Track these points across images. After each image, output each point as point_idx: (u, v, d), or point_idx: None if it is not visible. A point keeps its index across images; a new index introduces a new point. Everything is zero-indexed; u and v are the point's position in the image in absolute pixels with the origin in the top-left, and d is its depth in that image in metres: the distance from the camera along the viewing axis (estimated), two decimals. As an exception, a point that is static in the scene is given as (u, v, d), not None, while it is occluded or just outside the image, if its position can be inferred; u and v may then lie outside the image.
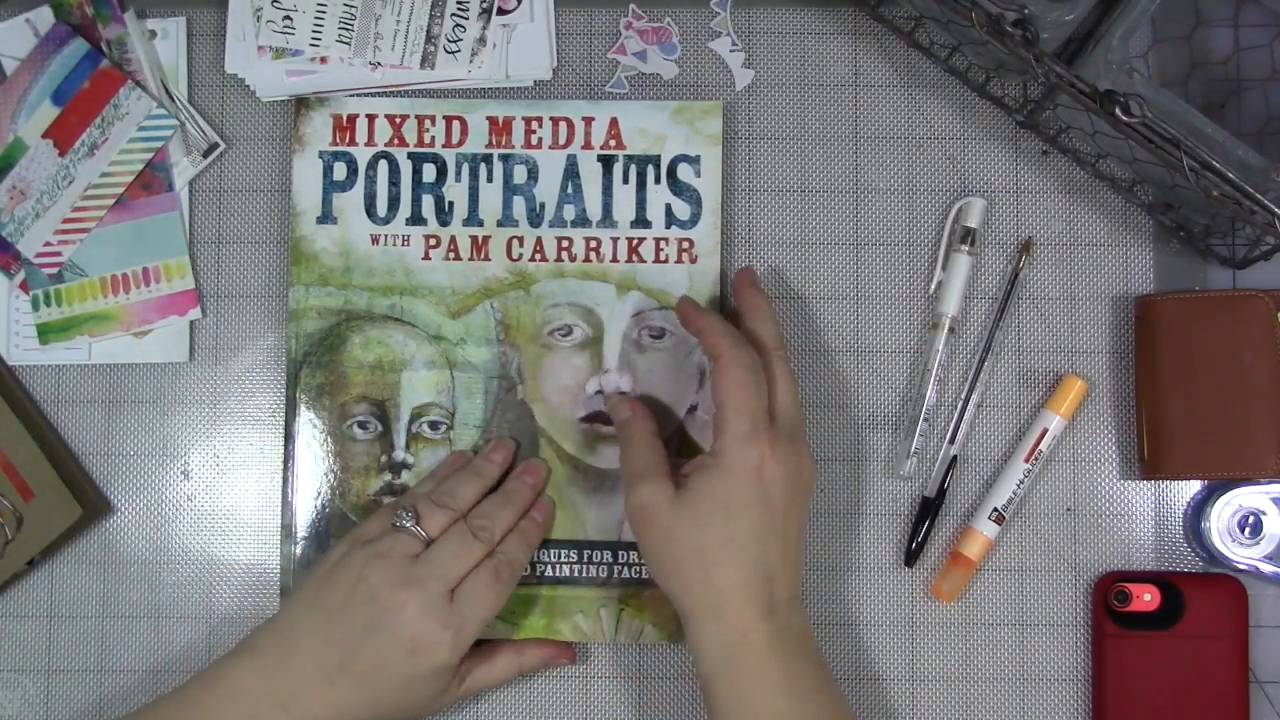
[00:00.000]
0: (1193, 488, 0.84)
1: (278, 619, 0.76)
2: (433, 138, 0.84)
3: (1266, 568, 0.82)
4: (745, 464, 0.72)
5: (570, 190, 0.84)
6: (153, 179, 0.85)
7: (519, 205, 0.84)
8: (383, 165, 0.84)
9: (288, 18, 0.84)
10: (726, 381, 0.73)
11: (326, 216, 0.84)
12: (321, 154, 0.84)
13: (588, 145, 0.84)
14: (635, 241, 0.83)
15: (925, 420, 0.83)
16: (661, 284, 0.83)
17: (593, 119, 0.84)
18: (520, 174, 0.84)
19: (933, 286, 0.84)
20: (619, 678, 0.84)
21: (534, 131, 0.84)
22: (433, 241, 0.84)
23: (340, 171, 0.84)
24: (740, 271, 0.81)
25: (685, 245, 0.83)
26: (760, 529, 0.72)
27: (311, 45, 0.84)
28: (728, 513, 0.72)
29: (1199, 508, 0.82)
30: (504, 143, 0.84)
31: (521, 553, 0.79)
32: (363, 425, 0.83)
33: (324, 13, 0.84)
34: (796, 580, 0.75)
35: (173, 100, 0.85)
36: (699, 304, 0.79)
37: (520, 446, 0.82)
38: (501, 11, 0.84)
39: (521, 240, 0.84)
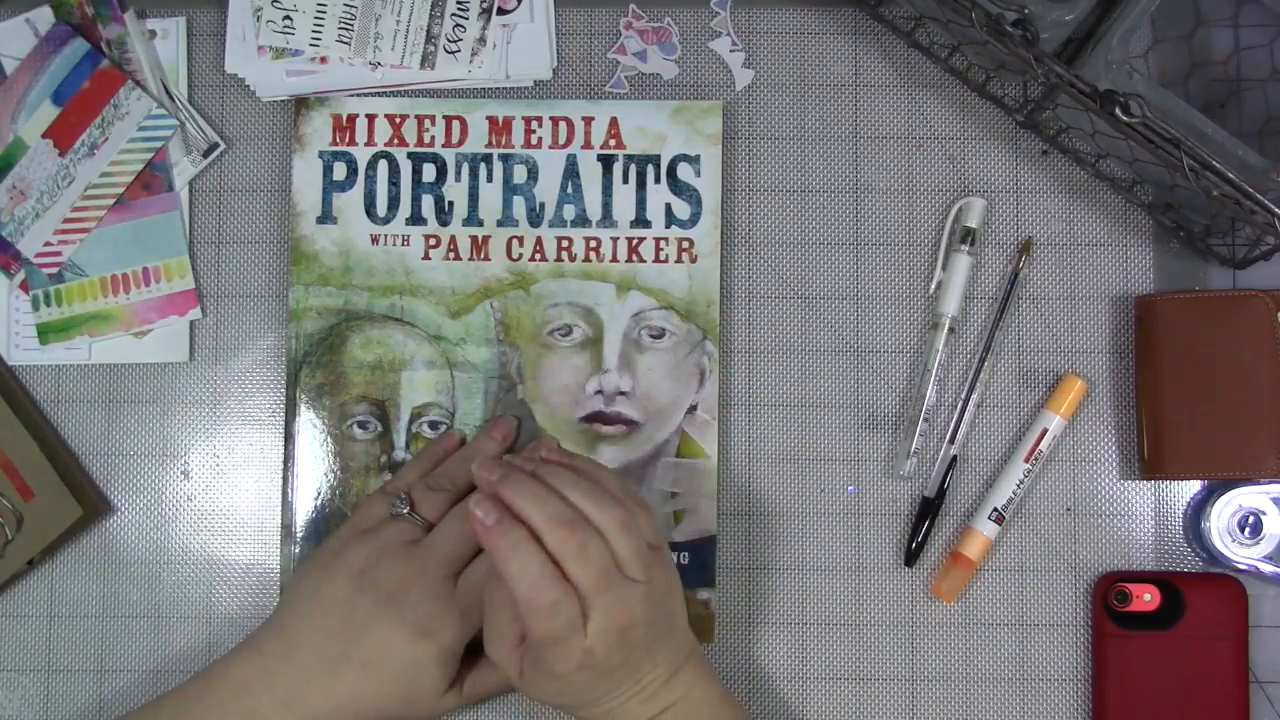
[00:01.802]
0: (1193, 488, 0.84)
1: (279, 614, 0.76)
2: (433, 138, 0.84)
3: (1266, 568, 0.81)
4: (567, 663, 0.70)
5: (570, 190, 0.84)
6: (153, 179, 0.85)
7: (519, 205, 0.84)
8: (383, 165, 0.84)
9: (288, 18, 0.84)
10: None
11: (326, 216, 0.84)
12: (321, 154, 0.84)
13: (588, 145, 0.84)
14: (635, 241, 0.83)
15: (925, 420, 0.83)
16: (661, 284, 0.83)
17: (593, 119, 0.84)
18: (520, 174, 0.84)
19: (933, 286, 0.84)
20: (619, 678, 0.83)
21: (534, 131, 0.84)
22: (433, 241, 0.84)
23: (340, 171, 0.84)
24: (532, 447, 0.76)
25: (685, 245, 0.83)
26: (597, 682, 0.70)
27: (311, 45, 0.84)
28: (560, 688, 0.71)
29: (1199, 508, 0.82)
30: (504, 142, 0.84)
31: None
32: (363, 425, 0.83)
33: (324, 13, 0.84)
34: (671, 658, 0.72)
35: (173, 100, 0.85)
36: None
37: (521, 423, 0.82)
38: (501, 11, 0.84)
39: (521, 240, 0.84)
